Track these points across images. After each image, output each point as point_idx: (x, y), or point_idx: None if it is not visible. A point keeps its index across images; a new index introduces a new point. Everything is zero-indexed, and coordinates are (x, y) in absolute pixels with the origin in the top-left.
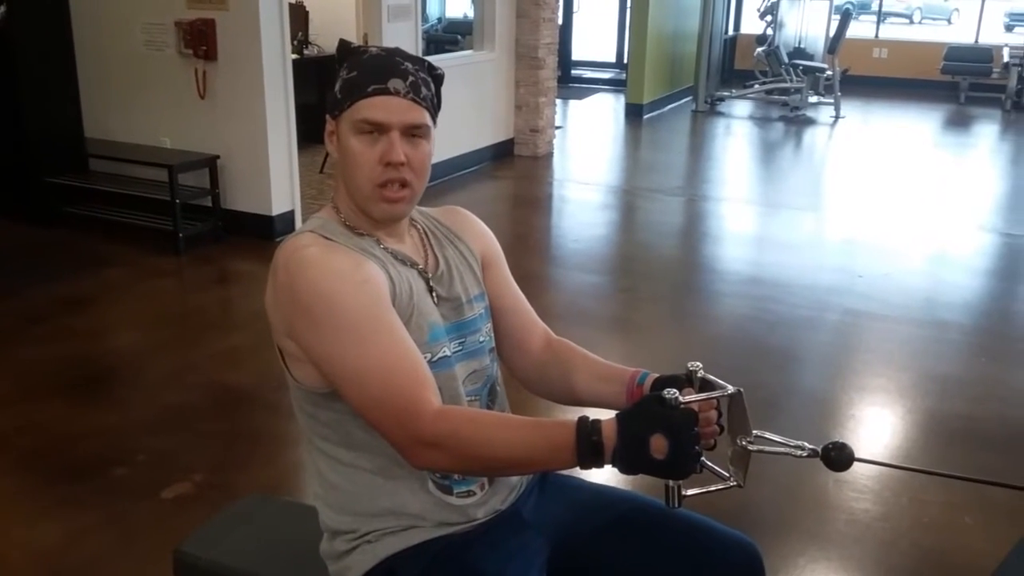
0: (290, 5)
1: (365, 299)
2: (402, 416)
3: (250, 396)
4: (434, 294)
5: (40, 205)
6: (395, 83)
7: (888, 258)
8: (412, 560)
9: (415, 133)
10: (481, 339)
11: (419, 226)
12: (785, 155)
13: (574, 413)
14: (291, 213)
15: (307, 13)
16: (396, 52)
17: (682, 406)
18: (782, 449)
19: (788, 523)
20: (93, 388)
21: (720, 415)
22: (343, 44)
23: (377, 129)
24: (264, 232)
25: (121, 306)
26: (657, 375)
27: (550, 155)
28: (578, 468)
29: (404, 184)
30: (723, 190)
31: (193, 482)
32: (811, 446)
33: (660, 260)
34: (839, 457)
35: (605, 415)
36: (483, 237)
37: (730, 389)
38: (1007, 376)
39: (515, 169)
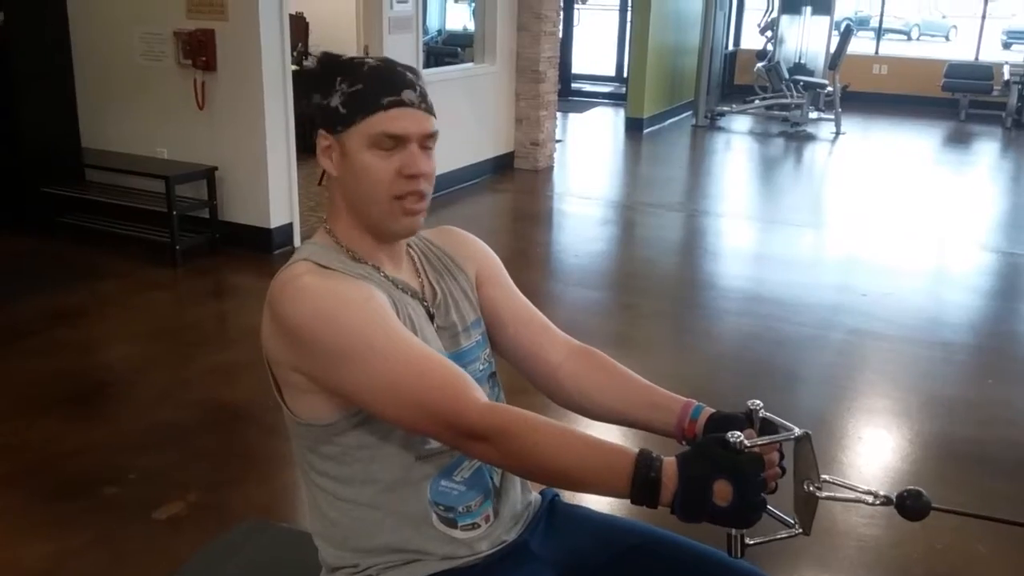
0: (290, 16)
1: (373, 315)
2: (446, 414)
3: (245, 414)
4: (435, 322)
5: (35, 215)
6: (408, 94)
7: (890, 276)
8: None
9: (427, 144)
10: (481, 367)
11: (414, 251)
12: (786, 171)
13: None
14: (289, 226)
15: (307, 24)
16: (391, 62)
17: (747, 450)
18: (852, 495)
19: (798, 550)
20: (84, 403)
21: (782, 457)
22: (329, 57)
23: (397, 142)
24: (262, 245)
25: (115, 319)
26: (712, 411)
27: (550, 169)
28: (628, 501)
29: (421, 196)
30: (724, 206)
31: (186, 502)
32: (884, 494)
33: (661, 276)
34: (915, 506)
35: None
36: (476, 256)
37: (797, 432)
38: (1015, 398)
39: (515, 183)
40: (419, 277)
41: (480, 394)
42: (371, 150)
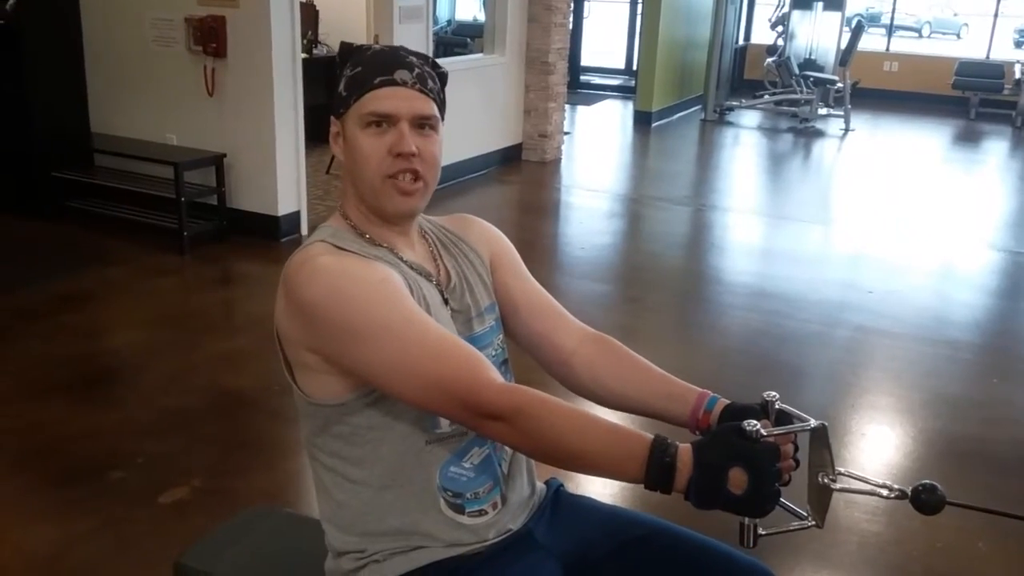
0: (300, 4)
1: (389, 296)
2: (462, 393)
3: (251, 400)
4: (449, 306)
5: (44, 199)
6: (401, 74)
7: (897, 274)
8: None
9: (424, 124)
10: (494, 352)
11: (429, 236)
12: (794, 167)
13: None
14: (297, 214)
15: (317, 12)
16: (400, 48)
17: (763, 439)
18: (866, 488)
19: (799, 546)
20: (91, 388)
21: (797, 449)
22: (345, 46)
23: (386, 120)
24: (269, 232)
25: (122, 304)
26: (727, 402)
27: (558, 161)
28: (642, 487)
29: (416, 177)
30: (731, 200)
31: (192, 487)
32: (899, 487)
33: (667, 270)
34: (930, 500)
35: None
36: (490, 240)
37: (813, 423)
38: (1020, 398)
39: (522, 174)
40: (435, 261)
41: (496, 374)
42: (364, 130)
